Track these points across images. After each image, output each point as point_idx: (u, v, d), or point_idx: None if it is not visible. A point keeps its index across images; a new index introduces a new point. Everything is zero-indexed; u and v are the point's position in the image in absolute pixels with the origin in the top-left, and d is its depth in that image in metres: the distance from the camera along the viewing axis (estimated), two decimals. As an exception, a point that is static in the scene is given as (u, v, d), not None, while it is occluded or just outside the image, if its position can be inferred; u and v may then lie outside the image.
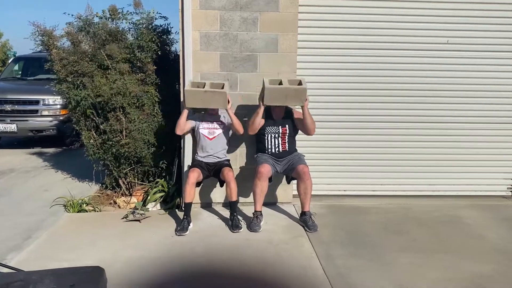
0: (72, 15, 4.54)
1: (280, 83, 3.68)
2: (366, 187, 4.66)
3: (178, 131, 3.90)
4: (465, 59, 4.44)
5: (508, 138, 4.65)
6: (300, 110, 3.88)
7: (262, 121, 3.86)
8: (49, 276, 1.53)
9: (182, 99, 4.00)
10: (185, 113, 3.84)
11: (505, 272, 3.04)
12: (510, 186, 4.77)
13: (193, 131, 4.05)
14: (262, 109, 3.77)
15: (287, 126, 3.94)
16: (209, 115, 3.99)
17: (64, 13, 4.62)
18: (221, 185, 4.04)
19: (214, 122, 3.97)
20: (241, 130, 3.91)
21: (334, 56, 4.36)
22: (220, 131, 3.96)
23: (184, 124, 3.87)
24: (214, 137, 3.94)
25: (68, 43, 4.56)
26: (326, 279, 2.91)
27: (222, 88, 3.73)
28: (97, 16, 4.63)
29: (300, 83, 3.67)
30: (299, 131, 4.03)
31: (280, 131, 3.94)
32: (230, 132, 4.08)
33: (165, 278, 2.92)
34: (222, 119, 3.99)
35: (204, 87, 3.72)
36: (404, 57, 4.41)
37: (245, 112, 4.18)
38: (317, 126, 4.36)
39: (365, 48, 4.37)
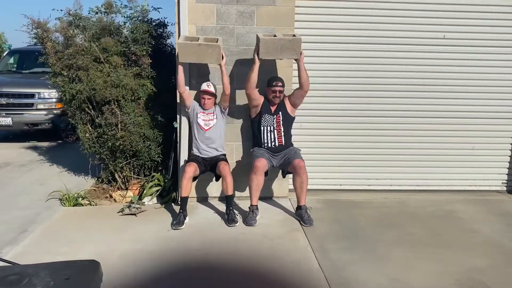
0: (62, 10, 4.51)
1: (275, 36, 3.70)
2: (361, 181, 4.68)
3: (180, 88, 3.91)
4: (461, 54, 4.45)
5: (503, 134, 4.68)
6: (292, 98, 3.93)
7: (256, 78, 3.80)
8: (45, 270, 1.53)
9: (176, 54, 3.91)
10: (180, 68, 3.83)
11: (498, 265, 3.08)
12: (505, 181, 4.80)
13: (189, 121, 4.04)
14: (257, 63, 3.76)
15: (280, 113, 3.95)
16: (205, 108, 3.97)
17: (53, 9, 4.60)
18: (217, 180, 4.05)
19: (210, 114, 3.96)
20: (228, 89, 3.86)
21: (330, 50, 4.36)
22: (215, 121, 3.96)
23: (183, 79, 3.87)
24: (209, 128, 3.94)
25: (61, 38, 4.54)
26: (321, 272, 2.93)
27: (217, 42, 3.69)
28: (92, 11, 4.60)
29: (294, 36, 3.69)
30: (294, 122, 4.06)
31: (275, 121, 3.93)
32: (225, 125, 4.08)
33: (161, 272, 2.93)
34: (217, 109, 3.98)
35: (198, 41, 3.67)
36: (400, 52, 4.41)
37: (241, 105, 4.18)
38: (313, 121, 4.39)
39: (361, 43, 4.36)
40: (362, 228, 3.73)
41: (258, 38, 3.72)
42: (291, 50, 3.68)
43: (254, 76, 3.80)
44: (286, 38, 3.67)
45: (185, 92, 3.94)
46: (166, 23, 4.82)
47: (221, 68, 3.81)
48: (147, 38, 4.34)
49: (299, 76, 3.84)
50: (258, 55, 3.73)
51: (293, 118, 4.05)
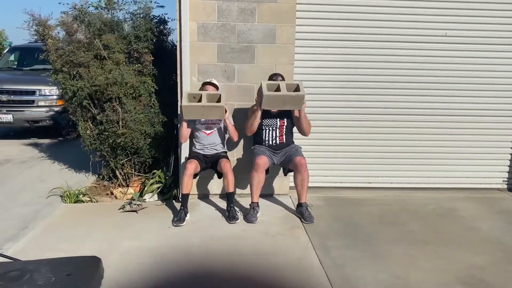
0: (68, 4, 4.50)
1: (278, 88, 3.64)
2: (362, 179, 4.68)
3: (182, 140, 3.98)
4: (462, 52, 4.44)
5: (504, 131, 4.67)
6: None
7: (259, 122, 3.86)
8: (46, 266, 1.53)
9: (179, 111, 3.96)
10: (184, 124, 3.86)
11: (498, 263, 3.08)
12: (505, 179, 4.80)
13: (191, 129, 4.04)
14: (259, 113, 3.77)
15: (285, 119, 3.95)
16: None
17: (59, 3, 4.58)
18: (219, 177, 4.05)
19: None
20: (235, 138, 3.97)
21: (332, 48, 4.35)
22: (218, 126, 3.96)
23: (187, 134, 3.93)
24: (211, 132, 3.95)
25: (63, 32, 4.53)
26: (322, 269, 2.93)
27: (219, 98, 3.70)
28: (92, 6, 4.59)
29: (297, 88, 3.63)
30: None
31: (278, 124, 3.94)
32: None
33: (161, 268, 2.94)
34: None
35: (200, 97, 3.69)
36: (402, 50, 4.40)
37: (241, 103, 4.17)
38: (314, 118, 4.37)
39: (362, 40, 4.35)
40: (362, 225, 3.73)
41: (261, 88, 3.65)
42: (294, 104, 3.71)
43: (256, 123, 3.84)
44: (289, 94, 3.60)
45: (187, 137, 3.97)
46: (166, 19, 4.82)
47: (225, 122, 3.86)
48: (149, 35, 4.33)
49: (300, 124, 3.87)
50: (260, 105, 3.70)
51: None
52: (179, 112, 4.02)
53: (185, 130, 3.89)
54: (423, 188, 4.70)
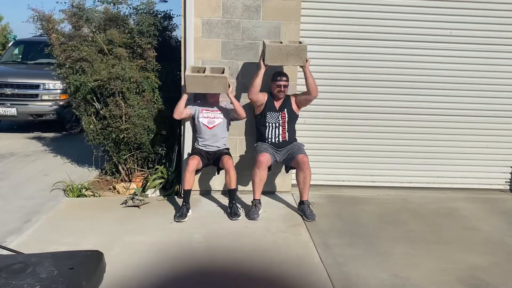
0: (65, 3, 4.51)
1: (281, 43, 3.72)
2: (364, 178, 4.67)
3: (176, 115, 3.91)
4: (467, 51, 4.42)
5: (506, 132, 4.65)
6: (298, 96, 3.94)
7: (260, 83, 3.82)
8: (49, 259, 1.55)
9: (182, 84, 3.99)
10: (184, 98, 3.84)
11: (500, 263, 3.08)
12: (508, 180, 4.78)
13: (193, 120, 4.05)
14: (263, 69, 3.76)
15: (285, 110, 3.95)
16: (209, 103, 3.99)
17: (57, 2, 4.59)
18: (218, 172, 4.06)
19: (214, 111, 3.96)
20: (243, 114, 3.91)
21: (336, 46, 4.34)
22: (220, 120, 3.96)
23: (182, 109, 3.88)
24: (213, 126, 3.95)
25: (68, 27, 4.55)
26: (323, 267, 2.94)
27: (223, 73, 3.73)
28: (98, 1, 4.60)
29: (300, 43, 3.71)
30: (298, 118, 4.07)
31: (280, 118, 3.93)
32: (230, 121, 4.08)
33: (163, 264, 2.95)
34: (222, 105, 3.99)
35: (204, 72, 3.72)
36: (406, 49, 4.39)
37: (245, 101, 4.18)
38: (318, 116, 4.38)
39: (366, 39, 4.34)
40: (364, 224, 3.73)
41: (264, 45, 3.72)
42: (297, 57, 3.70)
43: (259, 82, 3.80)
44: (292, 45, 3.68)
45: (182, 115, 3.93)
46: (171, 15, 4.81)
47: (229, 96, 3.84)
48: (152, 31, 4.33)
49: (306, 83, 3.84)
50: (263, 61, 3.72)
51: (298, 116, 4.05)
52: (182, 86, 3.99)
53: (182, 105, 3.84)
54: (425, 187, 4.69)
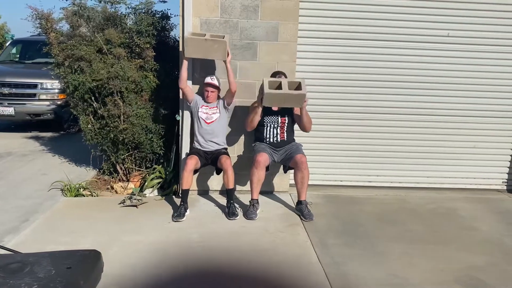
0: (67, 0, 4.50)
1: (280, 85, 3.62)
2: (362, 178, 4.69)
3: (181, 84, 3.91)
4: (464, 52, 4.44)
5: (504, 133, 4.67)
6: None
7: (259, 119, 3.86)
8: (46, 258, 1.54)
9: (181, 48, 3.95)
10: (185, 64, 3.84)
11: (497, 263, 3.09)
12: (505, 180, 4.80)
13: (191, 114, 4.04)
14: (260, 109, 3.77)
15: (286, 116, 3.95)
16: (208, 102, 3.98)
17: None
18: (218, 173, 4.07)
19: (213, 107, 3.97)
20: (234, 87, 3.85)
21: (334, 46, 4.34)
22: (218, 115, 3.96)
23: (185, 76, 3.88)
24: (212, 122, 3.95)
25: (66, 26, 4.54)
26: (321, 267, 2.94)
27: (223, 39, 3.70)
28: (97, 0, 4.59)
29: (299, 86, 3.61)
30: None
31: (279, 121, 3.95)
32: (228, 119, 4.09)
33: (161, 263, 2.95)
34: (218, 105, 3.99)
35: (204, 36, 3.70)
36: (404, 49, 4.40)
37: (243, 100, 4.18)
38: (315, 116, 4.37)
39: (364, 39, 4.35)
40: (362, 224, 3.74)
41: (262, 85, 3.62)
42: (295, 102, 3.68)
43: (257, 118, 3.82)
44: (290, 93, 3.57)
45: (187, 88, 3.94)
46: (169, 15, 4.81)
47: (226, 64, 3.81)
48: (151, 31, 4.33)
49: (301, 121, 3.86)
50: (261, 102, 3.67)
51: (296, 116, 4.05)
52: (180, 51, 3.96)
53: (185, 72, 3.83)
54: (423, 188, 4.71)
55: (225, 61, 3.80)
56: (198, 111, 3.96)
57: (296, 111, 3.94)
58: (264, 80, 3.63)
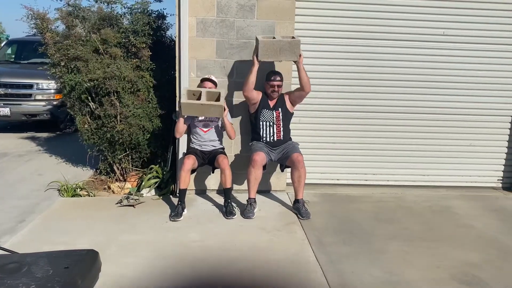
0: (61, 1, 4.49)
1: (274, 38, 3.71)
2: (359, 176, 4.70)
3: (177, 135, 3.97)
4: (460, 51, 4.46)
5: (499, 131, 4.70)
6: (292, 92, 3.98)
7: (254, 80, 3.81)
8: (44, 258, 1.55)
9: (178, 106, 3.99)
10: (181, 120, 3.86)
11: (492, 260, 3.11)
12: (500, 178, 4.83)
13: (188, 126, 4.05)
14: (256, 66, 3.76)
15: (280, 109, 3.96)
16: None
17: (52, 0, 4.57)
18: (213, 171, 4.07)
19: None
20: (233, 136, 3.98)
21: (329, 45, 4.36)
22: (215, 123, 3.97)
23: (182, 129, 3.93)
24: (208, 129, 3.96)
25: (62, 26, 4.53)
26: (318, 265, 2.96)
27: (218, 97, 3.71)
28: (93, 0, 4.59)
29: (293, 38, 3.71)
30: (293, 117, 4.09)
31: (274, 115, 3.95)
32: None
33: (159, 262, 2.95)
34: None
35: (200, 95, 3.70)
36: (399, 48, 4.42)
37: (240, 100, 4.19)
38: (311, 116, 4.40)
39: (360, 38, 4.36)
40: (358, 222, 3.76)
41: (257, 40, 3.72)
42: (290, 52, 3.69)
43: (253, 78, 3.81)
44: (285, 40, 3.66)
45: (183, 133, 3.98)
46: (165, 14, 4.81)
47: (223, 120, 3.86)
48: (147, 30, 4.33)
49: (299, 78, 3.85)
50: (257, 57, 3.72)
51: (292, 114, 4.07)
52: (177, 109, 4.03)
53: (181, 126, 3.89)
54: (419, 186, 4.73)
55: (222, 118, 3.85)
56: (194, 122, 3.96)
57: (290, 93, 3.97)
58: (257, 36, 3.74)
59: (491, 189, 4.80)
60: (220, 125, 4.00)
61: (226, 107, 3.80)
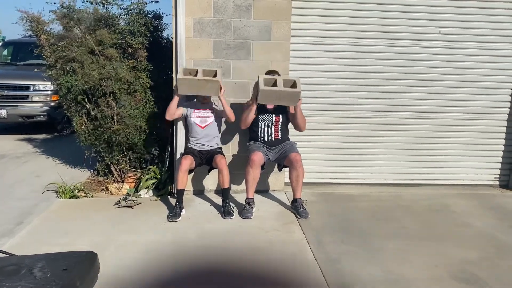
0: (55, 3, 4.48)
1: (275, 83, 3.63)
2: (357, 175, 4.71)
3: (168, 116, 3.92)
4: (456, 49, 4.48)
5: (496, 129, 4.72)
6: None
7: (254, 116, 3.87)
8: (42, 260, 1.54)
9: (174, 85, 3.99)
10: (175, 99, 3.84)
11: (491, 258, 3.12)
12: (497, 176, 4.85)
13: (185, 120, 4.05)
14: (255, 106, 3.78)
15: (280, 115, 3.96)
16: (202, 103, 3.99)
17: (47, 2, 4.55)
18: (209, 171, 4.08)
19: (207, 110, 3.97)
20: (232, 117, 3.93)
21: (326, 45, 4.36)
22: (212, 119, 3.96)
23: (174, 110, 3.89)
24: (206, 125, 3.95)
25: (58, 28, 4.51)
26: (317, 264, 2.96)
27: (215, 75, 3.72)
28: (87, 1, 4.57)
29: (294, 84, 3.64)
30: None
31: (274, 120, 3.95)
32: (223, 120, 4.10)
33: (157, 264, 2.95)
34: (214, 106, 4.00)
35: (196, 74, 3.71)
36: (396, 47, 4.43)
37: (237, 100, 4.18)
38: (309, 115, 4.39)
39: (356, 37, 4.37)
40: (357, 221, 3.76)
41: (257, 82, 3.65)
42: (290, 100, 3.69)
43: (251, 116, 3.83)
44: (285, 90, 3.58)
45: (174, 116, 3.95)
46: (161, 14, 4.80)
47: (220, 99, 3.84)
48: (143, 31, 4.32)
49: (295, 119, 3.87)
50: (256, 99, 3.69)
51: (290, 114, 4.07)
52: (174, 88, 3.99)
53: (174, 106, 3.85)
54: (417, 184, 4.74)
55: (219, 97, 3.83)
56: (191, 117, 3.95)
57: (291, 110, 3.95)
58: (259, 77, 3.66)
59: (489, 187, 4.82)
60: (217, 121, 3.98)
61: (222, 86, 3.79)
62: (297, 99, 3.68)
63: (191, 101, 4.05)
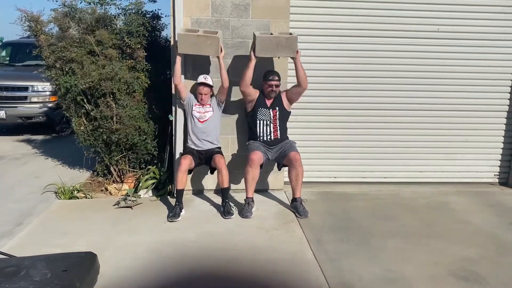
0: (57, 1, 4.47)
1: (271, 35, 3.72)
2: (356, 174, 4.71)
3: (175, 80, 3.92)
4: (455, 47, 4.48)
5: (495, 126, 4.72)
6: (289, 90, 3.98)
7: (251, 76, 3.82)
8: (42, 261, 1.55)
9: (172, 44, 3.99)
10: (178, 59, 3.84)
11: (490, 255, 3.13)
12: (497, 173, 4.85)
13: (185, 113, 4.04)
14: (253, 61, 3.78)
15: (277, 108, 3.96)
16: (200, 100, 3.97)
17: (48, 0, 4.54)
18: (211, 172, 4.07)
19: (206, 105, 3.97)
20: (226, 82, 3.87)
21: (325, 43, 4.37)
22: (211, 113, 3.96)
23: (180, 71, 3.89)
24: (205, 121, 3.95)
25: (56, 28, 4.50)
26: (316, 263, 2.96)
27: (216, 35, 3.72)
28: (85, 1, 4.56)
29: (290, 36, 3.71)
30: (290, 115, 4.08)
31: (271, 115, 3.95)
32: (220, 119, 4.10)
33: (157, 264, 2.95)
34: (212, 103, 3.99)
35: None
36: (395, 45, 4.43)
37: (237, 99, 4.18)
38: (308, 114, 4.41)
39: (355, 36, 4.37)
40: (356, 219, 3.76)
41: (254, 36, 3.73)
42: (287, 48, 3.70)
43: (250, 73, 3.81)
44: (282, 36, 3.68)
45: (181, 84, 3.93)
46: (160, 14, 4.80)
47: (219, 60, 3.82)
48: (142, 31, 4.31)
49: (297, 75, 3.85)
50: (254, 52, 3.73)
51: (289, 113, 4.07)
52: (172, 47, 3.98)
53: (178, 67, 3.84)
54: (416, 182, 4.74)
55: (218, 57, 3.81)
56: (191, 110, 3.96)
57: (287, 92, 3.95)
58: (255, 32, 3.74)
59: (488, 184, 4.83)
60: (216, 116, 3.97)
61: (223, 47, 3.80)
62: (295, 46, 3.69)
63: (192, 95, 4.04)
